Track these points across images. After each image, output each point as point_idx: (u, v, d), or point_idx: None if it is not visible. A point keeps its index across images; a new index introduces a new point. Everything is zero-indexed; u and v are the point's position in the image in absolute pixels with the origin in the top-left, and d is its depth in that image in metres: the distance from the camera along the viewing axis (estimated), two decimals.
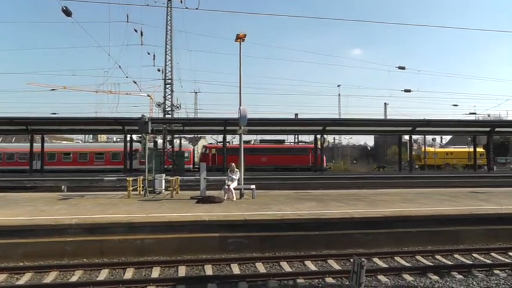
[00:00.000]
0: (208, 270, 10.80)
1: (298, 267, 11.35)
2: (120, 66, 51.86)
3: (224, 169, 46.74)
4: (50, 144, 54.09)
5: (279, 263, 11.52)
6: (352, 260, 8.43)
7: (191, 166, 50.96)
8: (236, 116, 20.33)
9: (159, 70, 44.94)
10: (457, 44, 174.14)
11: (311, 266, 11.42)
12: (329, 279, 10.17)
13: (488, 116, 68.27)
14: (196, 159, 55.99)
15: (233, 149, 50.99)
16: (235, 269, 10.96)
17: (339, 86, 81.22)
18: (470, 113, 61.18)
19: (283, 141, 57.29)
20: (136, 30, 42.71)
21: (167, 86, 44.02)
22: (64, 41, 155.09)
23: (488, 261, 12.08)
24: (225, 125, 38.89)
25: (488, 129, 48.42)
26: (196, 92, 70.50)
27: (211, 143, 57.74)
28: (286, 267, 11.25)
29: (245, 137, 61.54)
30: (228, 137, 54.10)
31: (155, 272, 10.64)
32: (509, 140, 78.74)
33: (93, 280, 9.96)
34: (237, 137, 57.68)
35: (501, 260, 12.33)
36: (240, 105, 19.63)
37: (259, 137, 57.57)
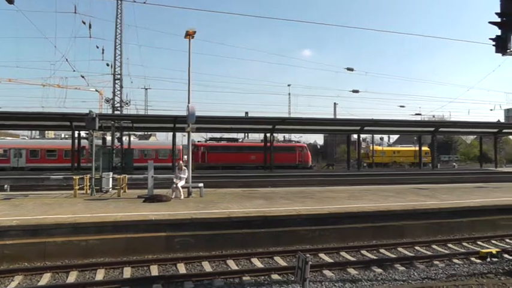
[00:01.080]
0: (154, 270, 10.69)
1: (244, 265, 11.41)
2: (67, 60, 50.35)
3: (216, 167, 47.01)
4: None
5: (225, 261, 11.55)
6: (297, 256, 8.58)
7: None
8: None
9: (108, 65, 43.94)
10: (405, 48, 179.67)
11: (257, 263, 11.51)
12: (275, 276, 10.30)
13: (433, 116, 71.02)
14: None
15: (222, 147, 51.80)
16: (182, 268, 10.91)
17: (289, 85, 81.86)
18: (416, 114, 63.28)
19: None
20: (84, 23, 40.98)
21: (116, 81, 43.06)
22: (6, 31, 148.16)
23: (429, 253, 12.69)
24: (174, 123, 38.58)
25: (432, 129, 50.63)
26: (146, 88, 69.32)
27: (199, 141, 57.66)
28: (232, 265, 11.30)
29: (233, 135, 62.15)
30: (217, 135, 54.02)
31: (99, 275, 10.39)
32: (452, 139, 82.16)
33: (33, 286, 9.67)
34: (225, 134, 57.91)
35: (441, 251, 13.02)
36: (189, 102, 19.51)
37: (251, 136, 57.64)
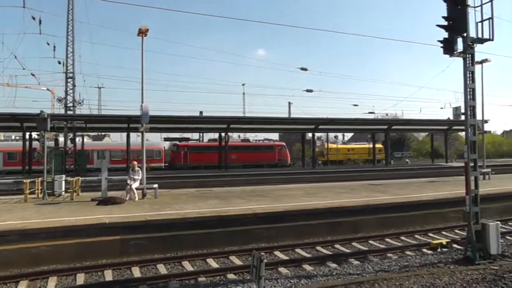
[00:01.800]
0: (108, 275, 10.46)
1: (200, 266, 11.37)
2: (16, 57, 48.29)
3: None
4: None
5: (180, 263, 11.46)
6: (252, 254, 8.61)
7: (162, 164, 51.02)
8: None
9: (59, 63, 42.47)
10: (359, 49, 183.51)
11: (213, 263, 11.49)
12: (230, 276, 10.31)
13: (386, 115, 72.56)
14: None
15: (204, 147, 51.97)
16: (136, 272, 10.73)
17: (243, 84, 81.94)
18: (370, 112, 64.79)
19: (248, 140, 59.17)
20: (34, 18, 39.57)
21: (69, 80, 41.81)
22: None
23: (383, 246, 13.05)
24: (128, 122, 37.87)
25: (385, 127, 51.95)
26: (100, 88, 67.57)
27: (181, 141, 56.97)
28: (188, 266, 11.22)
29: (215, 135, 61.36)
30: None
31: (51, 283, 10.01)
32: (404, 136, 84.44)
33: None
34: (210, 135, 56.99)
35: (394, 244, 13.43)
36: (142, 102, 19.23)
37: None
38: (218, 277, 10.30)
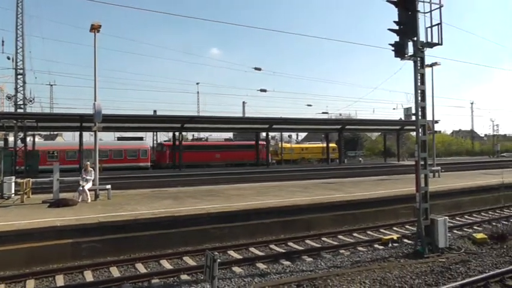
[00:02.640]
0: (60, 280, 10.20)
1: (153, 267, 11.28)
2: None
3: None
4: None
5: (134, 265, 11.32)
6: (205, 254, 8.61)
7: (148, 164, 50.62)
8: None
9: (9, 58, 40.61)
10: (312, 50, 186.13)
11: (166, 264, 11.42)
12: (184, 276, 10.28)
13: (340, 115, 73.76)
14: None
15: (190, 146, 51.02)
16: (89, 276, 10.50)
17: (198, 83, 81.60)
18: (323, 112, 65.84)
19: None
20: None
21: (19, 76, 40.04)
22: None
23: (335, 243, 13.33)
24: (81, 121, 36.89)
25: (339, 126, 52.95)
26: (51, 85, 65.39)
27: (166, 140, 56.99)
28: (141, 268, 11.10)
29: (201, 134, 60.09)
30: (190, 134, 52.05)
31: None
32: (358, 136, 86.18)
33: None
34: (195, 133, 55.56)
35: (347, 240, 13.75)
36: (95, 100, 18.80)
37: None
38: (172, 278, 10.25)
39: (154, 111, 60.81)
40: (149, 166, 50.53)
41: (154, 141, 62.80)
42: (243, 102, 72.18)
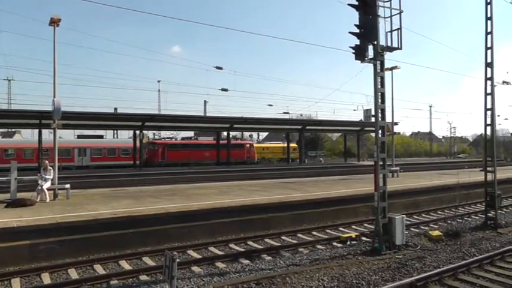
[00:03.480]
0: (16, 284, 9.93)
1: (112, 268, 11.15)
2: None
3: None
4: None
5: (92, 266, 11.16)
6: (164, 254, 8.59)
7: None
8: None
9: None
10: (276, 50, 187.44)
11: (125, 265, 11.32)
12: (143, 277, 10.22)
13: (301, 115, 74.58)
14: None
15: (181, 145, 52.83)
16: (46, 278, 10.29)
17: (159, 81, 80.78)
18: (284, 113, 66.33)
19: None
20: None
21: None
22: None
23: (295, 242, 13.54)
24: (40, 118, 35.74)
25: (300, 127, 53.41)
26: (9, 80, 63.31)
27: (157, 139, 58.07)
28: (100, 269, 10.95)
29: (189, 133, 59.08)
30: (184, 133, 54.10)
31: None
32: (318, 136, 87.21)
33: None
34: (186, 132, 55.02)
35: (306, 239, 13.98)
36: (55, 96, 18.37)
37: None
38: (131, 279, 10.18)
39: (115, 109, 60.05)
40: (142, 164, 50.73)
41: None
42: (205, 101, 71.81)
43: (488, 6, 15.10)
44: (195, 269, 10.75)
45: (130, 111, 45.48)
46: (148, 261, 11.63)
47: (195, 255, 12.20)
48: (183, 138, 59.22)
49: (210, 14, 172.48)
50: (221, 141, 53.22)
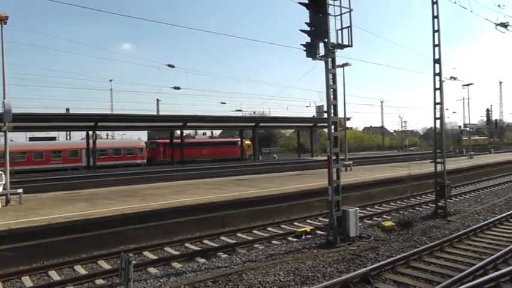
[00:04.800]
0: None
1: (68, 274, 10.92)
2: None
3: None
4: None
5: (47, 273, 10.91)
6: (120, 256, 8.51)
7: (144, 161, 52.94)
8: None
9: None
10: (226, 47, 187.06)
11: (81, 270, 11.12)
12: (99, 281, 10.08)
13: (254, 112, 74.82)
14: None
15: (178, 144, 51.84)
16: None
17: (111, 80, 78.96)
18: (237, 110, 66.46)
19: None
20: None
21: None
22: None
23: (250, 238, 13.67)
24: None
25: (253, 124, 53.64)
26: None
27: (160, 138, 59.34)
28: (55, 276, 10.71)
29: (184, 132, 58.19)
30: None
31: None
32: (272, 133, 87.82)
33: None
34: (186, 132, 54.00)
35: (261, 235, 14.13)
36: (4, 98, 17.78)
37: None
38: (87, 284, 10.03)
39: (67, 109, 58.59)
40: (145, 163, 52.73)
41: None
42: (157, 100, 71.12)
43: (435, 5, 15.87)
44: (152, 270, 10.69)
45: (83, 112, 44.40)
46: (104, 265, 11.46)
47: (151, 256, 12.12)
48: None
49: (161, 10, 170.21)
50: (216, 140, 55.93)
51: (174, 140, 51.39)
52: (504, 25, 18.33)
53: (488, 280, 8.31)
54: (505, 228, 13.56)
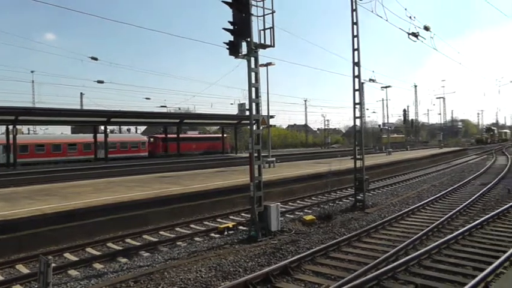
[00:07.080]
0: None
1: None
2: None
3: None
4: None
5: None
6: (39, 259, 8.22)
7: (146, 153, 57.05)
8: None
9: None
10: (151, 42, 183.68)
11: None
12: (17, 287, 9.60)
13: (179, 109, 74.20)
14: None
15: (180, 138, 58.31)
16: None
17: (32, 72, 74.91)
18: (162, 106, 65.69)
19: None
20: None
21: None
22: None
23: (172, 236, 13.60)
24: None
25: (178, 120, 53.42)
26: None
27: (158, 133, 63.60)
28: None
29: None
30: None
31: None
32: (196, 129, 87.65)
33: None
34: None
35: (183, 232, 14.08)
36: None
37: None
38: None
39: None
40: (147, 155, 56.39)
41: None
42: (81, 94, 68.93)
43: (354, 12, 16.72)
44: (72, 272, 10.33)
45: (2, 105, 41.94)
46: (23, 269, 10.86)
47: (71, 257, 11.70)
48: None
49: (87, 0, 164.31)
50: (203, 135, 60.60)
51: (169, 135, 58.46)
52: (415, 35, 19.53)
53: (399, 265, 9.01)
54: (416, 218, 14.69)
